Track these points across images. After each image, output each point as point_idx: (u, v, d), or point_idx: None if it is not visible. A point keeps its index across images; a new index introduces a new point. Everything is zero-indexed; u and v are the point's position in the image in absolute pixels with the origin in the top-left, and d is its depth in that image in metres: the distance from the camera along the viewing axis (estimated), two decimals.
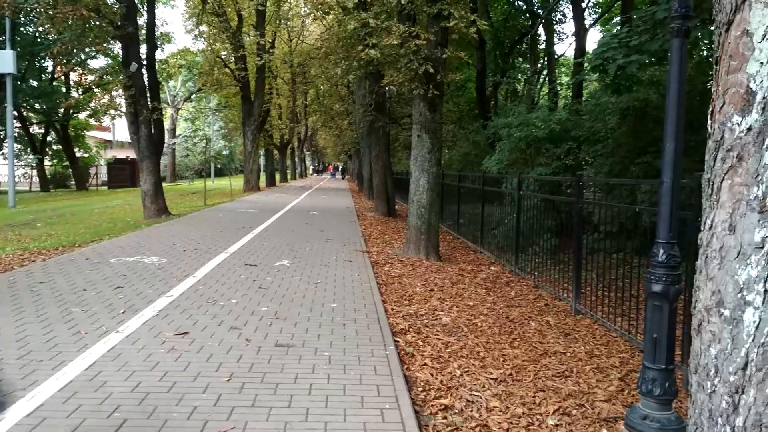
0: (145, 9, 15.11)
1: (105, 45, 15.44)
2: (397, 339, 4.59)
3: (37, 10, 13.75)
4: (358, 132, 22.57)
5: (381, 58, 8.80)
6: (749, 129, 1.67)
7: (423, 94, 8.24)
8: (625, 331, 4.91)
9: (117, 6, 12.33)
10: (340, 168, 68.08)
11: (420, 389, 3.64)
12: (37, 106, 28.41)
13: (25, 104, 27.42)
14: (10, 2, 11.58)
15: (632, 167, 7.63)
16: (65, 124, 31.00)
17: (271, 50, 25.52)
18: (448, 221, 12.86)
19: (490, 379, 3.85)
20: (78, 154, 33.98)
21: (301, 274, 6.97)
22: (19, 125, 28.59)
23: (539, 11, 21.98)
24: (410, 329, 4.90)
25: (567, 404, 3.50)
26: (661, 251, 2.81)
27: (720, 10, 1.80)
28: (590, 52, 12.77)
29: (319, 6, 13.05)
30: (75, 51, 21.91)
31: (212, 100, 37.93)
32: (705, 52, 8.64)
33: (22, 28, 25.39)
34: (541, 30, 23.30)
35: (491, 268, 8.30)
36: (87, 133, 37.70)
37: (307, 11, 18.40)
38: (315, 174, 78.97)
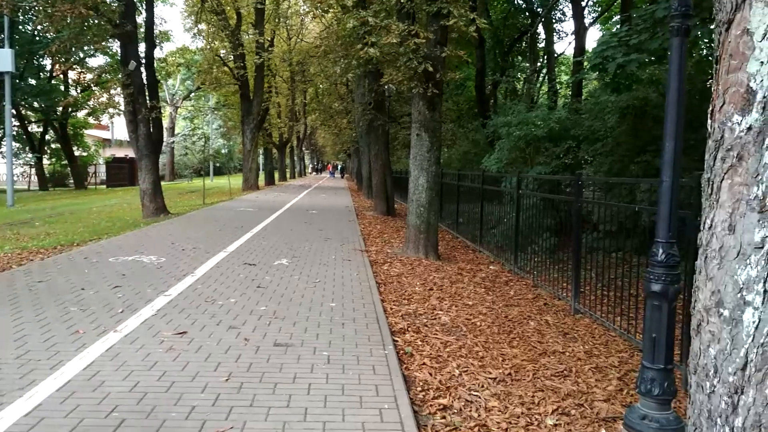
0: (144, 7, 15.11)
1: (104, 43, 15.40)
2: (396, 338, 4.59)
3: (36, 8, 13.73)
4: (357, 131, 22.54)
5: (380, 57, 8.79)
6: (749, 128, 1.66)
7: (422, 93, 8.24)
8: (624, 330, 4.91)
9: (116, 4, 12.32)
10: (339, 167, 68.03)
11: (419, 389, 3.63)
12: (35, 104, 28.37)
13: (23, 103, 27.38)
14: (9, 0, 11.56)
15: (632, 166, 7.62)
16: (64, 123, 30.96)
17: (270, 49, 25.51)
18: (447, 220, 12.86)
19: (489, 378, 3.85)
20: (76, 153, 33.92)
21: (300, 273, 6.96)
22: (18, 124, 28.54)
23: (539, 10, 21.97)
24: (409, 329, 4.89)
25: (566, 404, 3.50)
26: (661, 250, 2.81)
27: (720, 9, 1.79)
28: (590, 50, 12.79)
29: (318, 4, 13.03)
30: (73, 49, 21.97)
31: (211, 99, 37.85)
32: (705, 51, 8.63)
33: (20, 27, 25.33)
34: (540, 28, 23.31)
35: (490, 267, 8.29)
36: (85, 131, 37.64)
37: (306, 9, 18.42)
38: (314, 173, 79.00)
